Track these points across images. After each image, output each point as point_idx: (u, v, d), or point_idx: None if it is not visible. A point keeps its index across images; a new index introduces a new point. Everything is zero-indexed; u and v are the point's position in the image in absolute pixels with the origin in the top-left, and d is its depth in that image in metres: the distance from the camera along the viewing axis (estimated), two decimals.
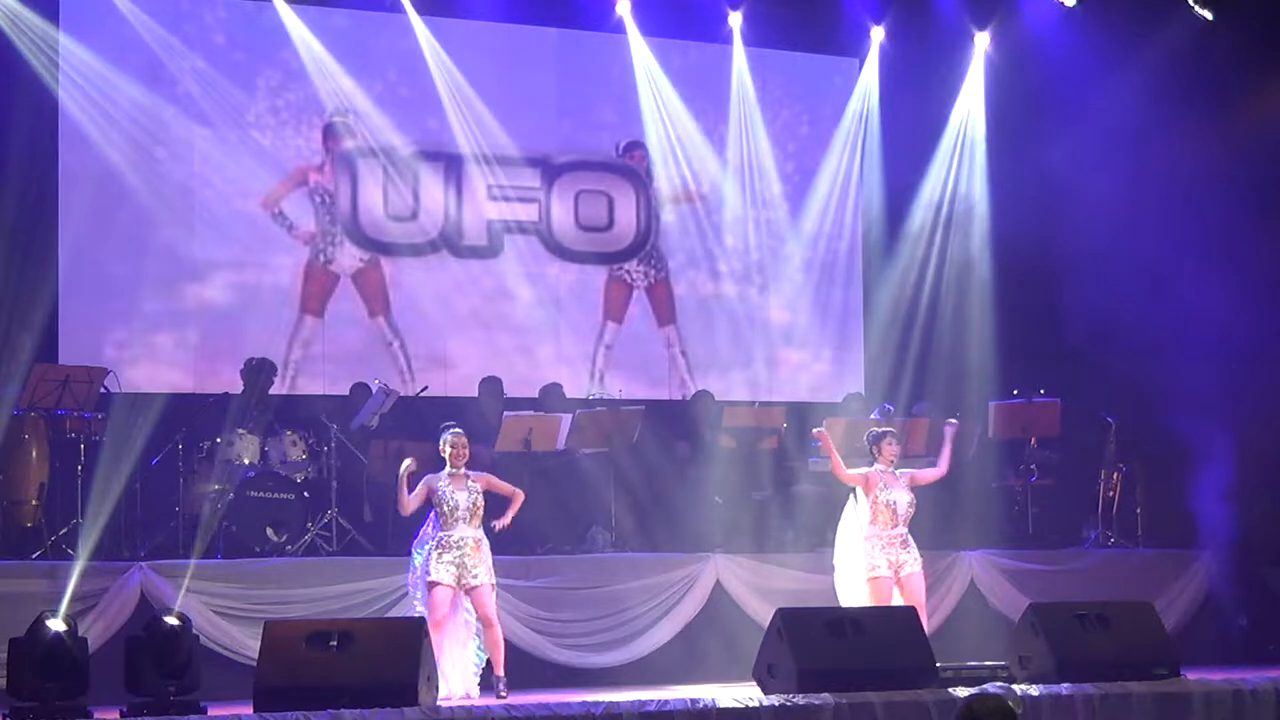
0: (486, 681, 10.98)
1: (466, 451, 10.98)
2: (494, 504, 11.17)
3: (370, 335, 15.10)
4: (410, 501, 10.92)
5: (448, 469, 10.94)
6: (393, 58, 15.18)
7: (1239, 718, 10.88)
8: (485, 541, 10.94)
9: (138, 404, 12.82)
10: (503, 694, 10.69)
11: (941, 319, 16.22)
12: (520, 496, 11.22)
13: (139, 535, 12.55)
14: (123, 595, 11.38)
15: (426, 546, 10.88)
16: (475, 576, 10.77)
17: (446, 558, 10.74)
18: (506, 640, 11.44)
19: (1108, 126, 15.35)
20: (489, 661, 10.98)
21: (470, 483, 10.92)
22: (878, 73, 16.45)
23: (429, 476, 10.98)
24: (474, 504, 10.85)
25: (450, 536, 10.78)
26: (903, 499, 11.55)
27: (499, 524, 11.10)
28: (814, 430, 12.07)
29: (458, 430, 11.08)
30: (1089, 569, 13.97)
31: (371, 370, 14.48)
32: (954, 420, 12.26)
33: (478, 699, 10.65)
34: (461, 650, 10.92)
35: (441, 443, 11.02)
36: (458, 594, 10.81)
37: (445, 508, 10.80)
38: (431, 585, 10.73)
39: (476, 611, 10.87)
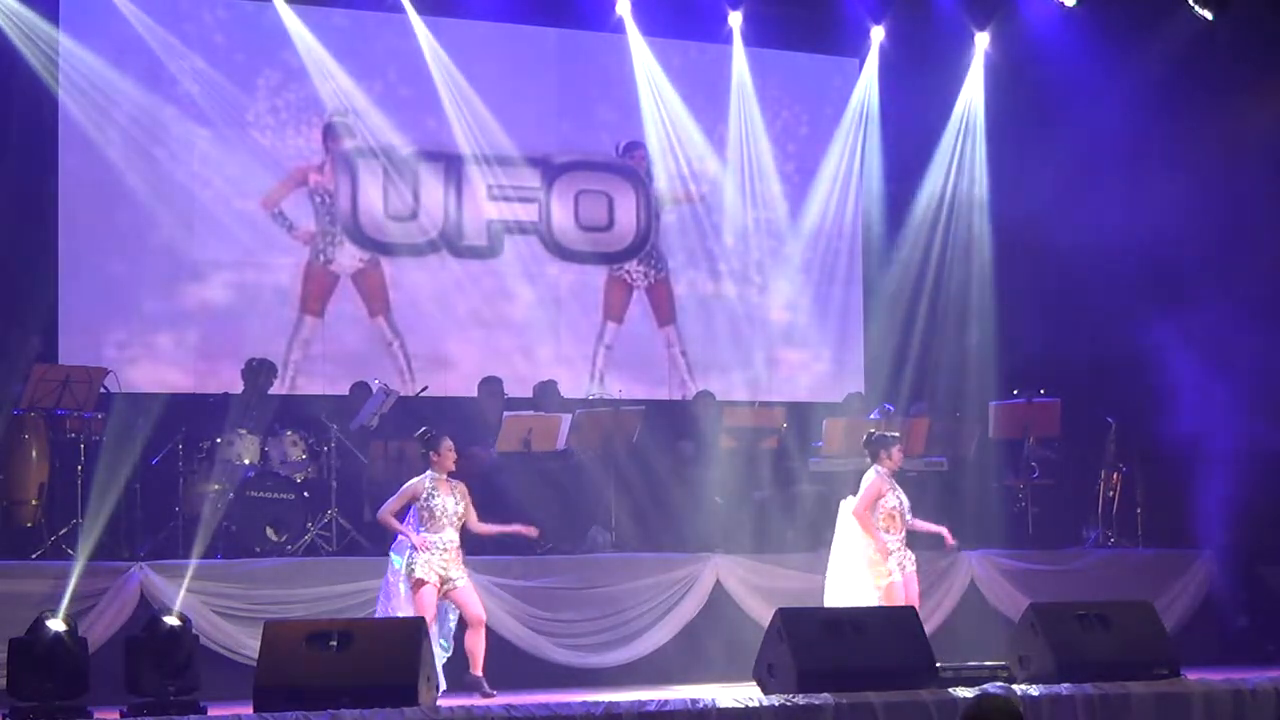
0: (460, 682, 10.92)
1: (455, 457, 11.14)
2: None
3: (370, 335, 15.10)
4: (391, 508, 11.02)
5: (432, 472, 11.00)
6: (393, 58, 15.18)
7: (1239, 718, 10.88)
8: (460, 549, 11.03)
9: (138, 404, 12.83)
10: (491, 693, 10.70)
11: (941, 319, 16.21)
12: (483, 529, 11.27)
13: (139, 535, 12.55)
14: (123, 595, 11.37)
15: (407, 550, 10.89)
16: (455, 579, 10.84)
17: (431, 559, 10.78)
18: (507, 640, 11.42)
19: (1108, 126, 15.35)
20: (468, 661, 10.94)
21: (456, 489, 11.03)
22: (878, 73, 16.44)
23: (410, 483, 11.04)
24: (459, 510, 10.96)
25: (439, 539, 10.84)
26: (905, 500, 11.62)
27: (488, 529, 11.23)
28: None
29: (447, 438, 11.16)
30: (1089, 569, 13.97)
31: (371, 370, 14.48)
32: (954, 544, 12.20)
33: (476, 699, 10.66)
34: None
35: (434, 448, 11.04)
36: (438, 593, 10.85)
37: (435, 511, 10.86)
38: (419, 584, 10.74)
39: (466, 612, 10.89)
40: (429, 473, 11.02)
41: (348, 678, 9.54)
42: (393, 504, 11.02)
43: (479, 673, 10.87)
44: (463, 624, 11.01)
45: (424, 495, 10.91)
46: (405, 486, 11.07)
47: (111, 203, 14.19)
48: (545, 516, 12.83)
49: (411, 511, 10.99)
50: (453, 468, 11.05)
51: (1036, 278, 15.85)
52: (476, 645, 10.91)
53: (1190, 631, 13.82)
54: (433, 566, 10.75)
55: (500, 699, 10.47)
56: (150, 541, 12.50)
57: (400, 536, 10.96)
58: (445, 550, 10.83)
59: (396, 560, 11.00)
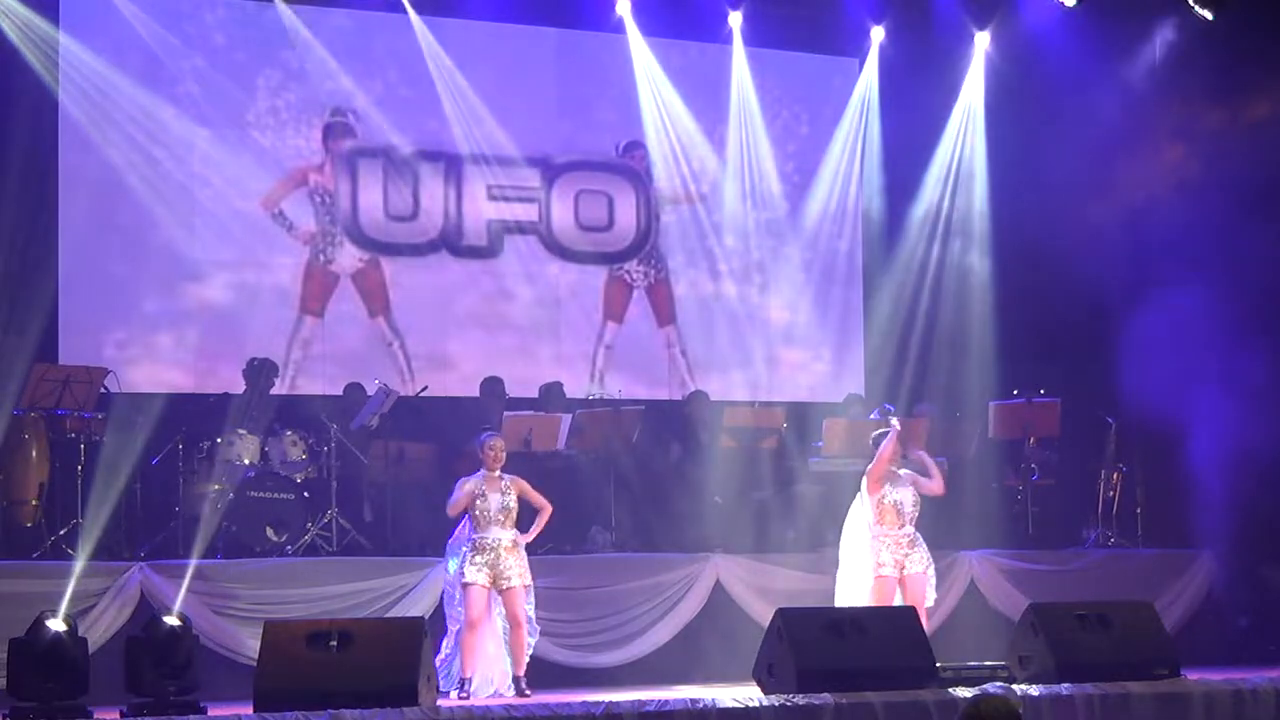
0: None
1: (504, 456, 11.16)
2: (524, 510, 11.27)
3: (370, 335, 15.10)
4: (456, 508, 11.09)
5: (483, 471, 11.08)
6: (393, 58, 15.18)
7: (1239, 718, 10.88)
8: (521, 543, 11.10)
9: (138, 404, 12.83)
10: (526, 692, 10.79)
11: (941, 319, 16.21)
12: (547, 511, 11.34)
13: (139, 535, 12.55)
14: (123, 595, 11.38)
15: (462, 549, 11.04)
16: (509, 579, 10.92)
17: (480, 559, 10.89)
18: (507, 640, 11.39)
19: (1107, 126, 15.35)
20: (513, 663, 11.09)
21: (504, 485, 11.07)
22: (878, 73, 16.43)
23: (465, 480, 11.12)
24: (506, 506, 11.02)
25: (484, 538, 10.93)
26: (908, 498, 11.52)
27: (523, 538, 11.18)
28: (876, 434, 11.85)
29: (496, 435, 11.32)
30: (1089, 569, 13.98)
31: (371, 370, 14.47)
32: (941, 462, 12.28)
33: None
34: (498, 649, 11.06)
35: (481, 446, 11.17)
36: (492, 594, 10.94)
37: (479, 510, 10.94)
38: (466, 586, 10.85)
39: (506, 612, 11.02)
40: (481, 471, 11.11)
41: (348, 678, 9.55)
42: (458, 501, 11.03)
43: (519, 672, 10.97)
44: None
45: (472, 495, 10.98)
46: (460, 483, 11.10)
47: (111, 203, 14.19)
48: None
49: (466, 514, 11.09)
50: (494, 467, 11.08)
51: (1037, 277, 15.83)
52: (516, 645, 11.01)
53: (1190, 631, 13.82)
54: (481, 568, 10.84)
55: (501, 699, 10.50)
56: (150, 541, 12.50)
57: (456, 533, 11.12)
58: (493, 550, 10.89)
59: (452, 564, 11.17)
